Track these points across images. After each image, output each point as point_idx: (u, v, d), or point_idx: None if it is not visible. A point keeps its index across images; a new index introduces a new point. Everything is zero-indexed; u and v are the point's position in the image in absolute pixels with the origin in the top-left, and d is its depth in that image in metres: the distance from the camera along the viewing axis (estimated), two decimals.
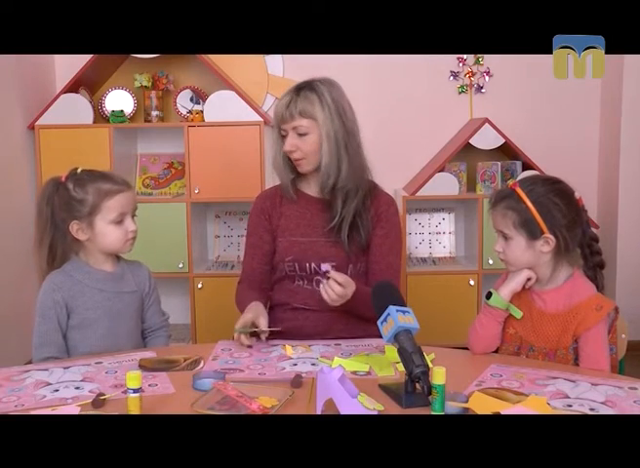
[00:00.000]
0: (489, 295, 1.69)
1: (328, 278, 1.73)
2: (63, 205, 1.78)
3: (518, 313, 1.68)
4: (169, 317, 2.01)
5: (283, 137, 1.91)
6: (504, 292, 1.68)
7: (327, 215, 1.93)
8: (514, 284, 1.67)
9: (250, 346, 1.73)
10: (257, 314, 1.76)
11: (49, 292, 1.77)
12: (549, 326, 1.65)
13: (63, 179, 1.80)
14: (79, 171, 1.81)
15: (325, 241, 1.92)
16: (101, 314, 1.79)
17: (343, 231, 1.90)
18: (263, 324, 1.74)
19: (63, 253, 1.83)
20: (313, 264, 1.90)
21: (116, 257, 1.87)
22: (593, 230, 1.74)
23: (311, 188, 1.99)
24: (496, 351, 1.72)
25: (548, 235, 1.62)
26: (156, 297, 1.94)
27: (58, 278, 1.79)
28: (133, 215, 1.83)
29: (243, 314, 1.77)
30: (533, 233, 1.63)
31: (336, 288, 1.71)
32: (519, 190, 1.64)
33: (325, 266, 1.75)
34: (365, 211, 1.93)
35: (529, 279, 1.67)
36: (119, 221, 1.78)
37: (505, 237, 1.66)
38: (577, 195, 1.67)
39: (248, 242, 2.03)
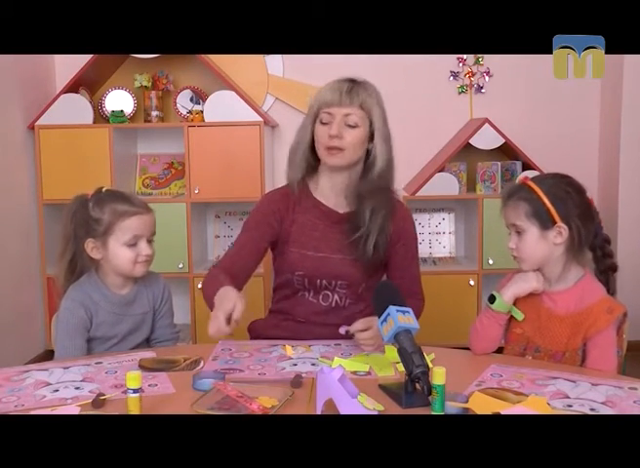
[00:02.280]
0: (492, 299, 1.68)
1: (352, 335, 1.67)
2: (83, 222, 1.80)
3: (519, 315, 1.68)
4: (179, 331, 1.99)
5: (323, 124, 1.77)
6: (507, 296, 1.66)
7: (342, 229, 1.84)
8: (518, 289, 1.66)
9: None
10: (233, 302, 1.49)
11: (75, 311, 1.78)
12: (559, 327, 1.64)
13: (89, 197, 1.82)
14: (103, 190, 1.83)
15: (340, 258, 1.83)
16: (114, 335, 1.82)
17: (368, 249, 1.80)
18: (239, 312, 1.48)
19: (82, 270, 1.85)
20: (324, 281, 1.84)
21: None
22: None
23: (326, 197, 1.87)
24: (500, 351, 1.72)
25: (561, 224, 1.61)
26: (167, 311, 1.92)
27: (78, 296, 1.80)
28: (150, 240, 1.82)
29: (219, 303, 1.51)
30: (545, 223, 1.62)
31: (365, 335, 1.64)
32: (530, 182, 1.65)
33: (342, 330, 1.69)
34: (388, 226, 1.83)
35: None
36: (132, 244, 1.78)
37: (518, 231, 1.65)
38: (589, 195, 1.68)
39: (247, 235, 1.87)
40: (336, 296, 1.86)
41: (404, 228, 1.89)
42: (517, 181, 1.71)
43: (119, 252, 1.78)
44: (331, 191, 1.87)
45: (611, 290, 1.69)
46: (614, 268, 1.71)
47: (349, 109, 1.75)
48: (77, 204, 1.82)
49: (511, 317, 1.71)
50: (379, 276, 1.92)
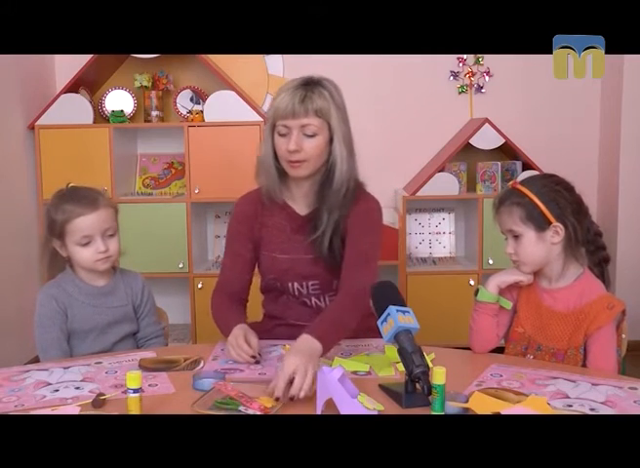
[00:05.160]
0: (477, 292, 1.72)
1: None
2: (46, 222, 1.81)
3: (507, 304, 1.70)
4: (164, 326, 1.99)
5: (281, 136, 1.73)
6: (490, 286, 1.69)
7: (305, 230, 1.81)
8: (500, 280, 1.69)
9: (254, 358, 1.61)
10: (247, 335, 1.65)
11: (47, 304, 1.78)
12: (560, 325, 1.65)
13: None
14: (68, 187, 1.83)
15: (306, 259, 1.81)
16: (92, 327, 1.81)
17: (324, 247, 1.77)
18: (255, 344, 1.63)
19: (64, 264, 1.85)
20: (296, 284, 1.83)
21: (111, 268, 1.86)
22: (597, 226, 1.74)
23: (295, 199, 1.84)
24: (502, 350, 1.72)
25: (556, 223, 1.62)
26: (150, 308, 1.92)
27: (52, 290, 1.80)
28: (110, 234, 1.79)
29: (232, 336, 1.65)
30: (541, 225, 1.63)
31: (297, 384, 1.37)
32: (519, 186, 1.66)
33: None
34: (344, 219, 1.78)
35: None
36: (86, 243, 1.76)
37: (515, 236, 1.66)
38: (577, 191, 1.68)
39: (230, 249, 1.88)
40: (314, 300, 1.85)
41: (362, 219, 1.79)
42: (507, 187, 1.71)
43: (75, 251, 1.78)
44: (299, 195, 1.84)
45: (606, 281, 1.70)
46: (607, 260, 1.72)
47: (305, 120, 1.69)
48: (50, 202, 1.82)
49: (512, 316, 1.72)
50: None
